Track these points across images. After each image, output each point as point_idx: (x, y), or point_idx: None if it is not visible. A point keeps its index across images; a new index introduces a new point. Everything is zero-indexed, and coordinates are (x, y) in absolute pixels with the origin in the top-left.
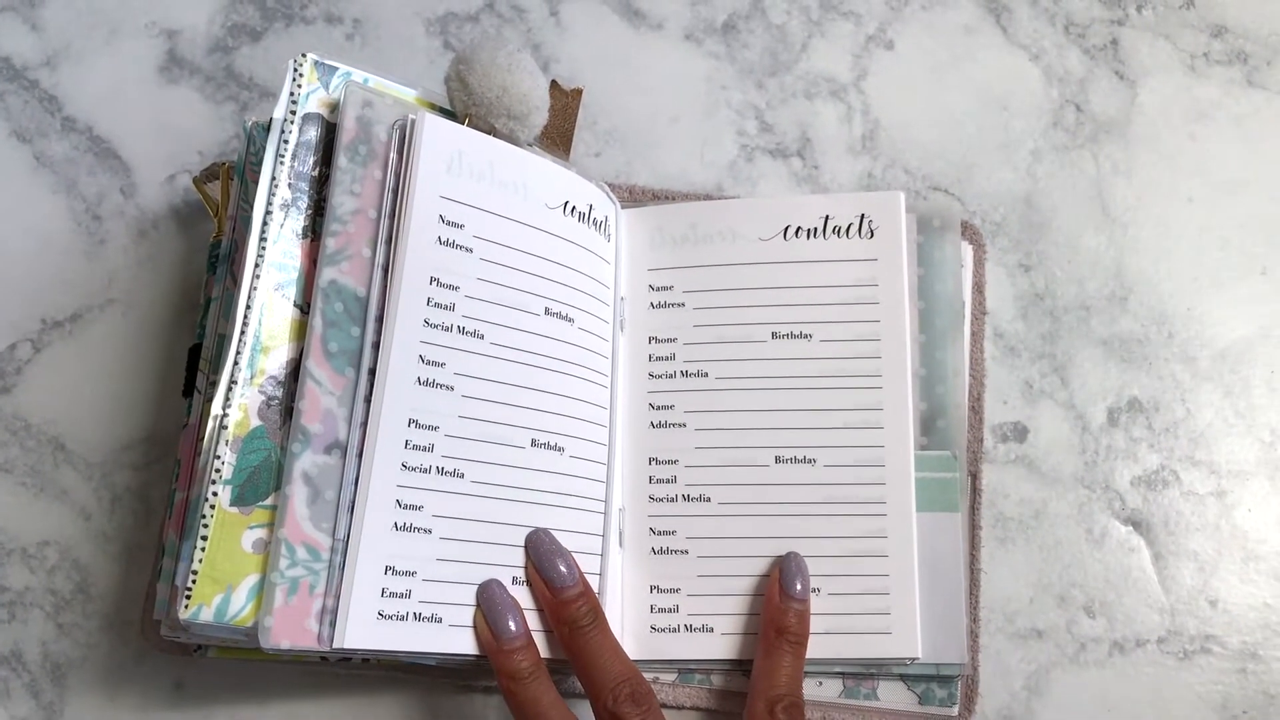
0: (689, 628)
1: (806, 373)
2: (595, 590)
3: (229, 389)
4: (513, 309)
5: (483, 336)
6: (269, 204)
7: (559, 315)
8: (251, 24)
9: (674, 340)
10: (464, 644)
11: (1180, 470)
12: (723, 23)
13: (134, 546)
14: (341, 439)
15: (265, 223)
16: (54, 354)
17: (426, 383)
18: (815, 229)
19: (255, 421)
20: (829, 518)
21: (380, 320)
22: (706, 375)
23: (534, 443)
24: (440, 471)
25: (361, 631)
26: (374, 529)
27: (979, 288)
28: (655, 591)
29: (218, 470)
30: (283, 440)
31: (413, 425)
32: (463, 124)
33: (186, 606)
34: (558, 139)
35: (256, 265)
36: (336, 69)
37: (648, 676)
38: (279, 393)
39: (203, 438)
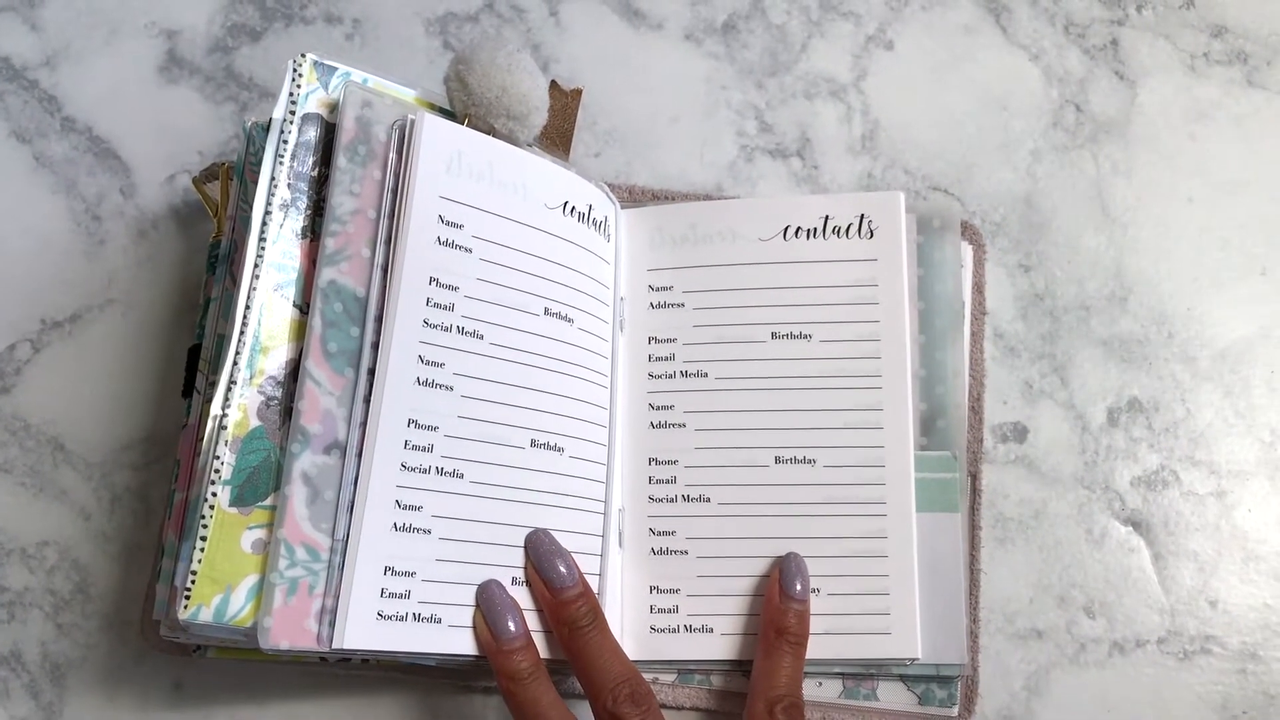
0: (689, 628)
1: (806, 373)
2: (595, 591)
3: (228, 389)
4: (512, 309)
5: (482, 337)
6: (268, 204)
7: (558, 315)
8: (251, 24)
9: (674, 340)
10: (463, 644)
11: (1180, 470)
12: (722, 23)
13: (133, 547)
14: (341, 439)
15: (265, 223)
16: (53, 354)
17: (426, 383)
18: (815, 229)
19: (254, 422)
20: (829, 518)
21: (379, 320)
22: (706, 375)
23: (533, 443)
24: (440, 472)
25: (361, 632)
26: (373, 529)
27: (979, 288)
28: (655, 592)
29: (217, 470)
30: (282, 440)
31: (412, 425)
32: (462, 124)
33: (186, 607)
34: (557, 139)
35: (256, 265)
36: (336, 69)
37: (647, 677)
38: (278, 393)
39: (202, 438)
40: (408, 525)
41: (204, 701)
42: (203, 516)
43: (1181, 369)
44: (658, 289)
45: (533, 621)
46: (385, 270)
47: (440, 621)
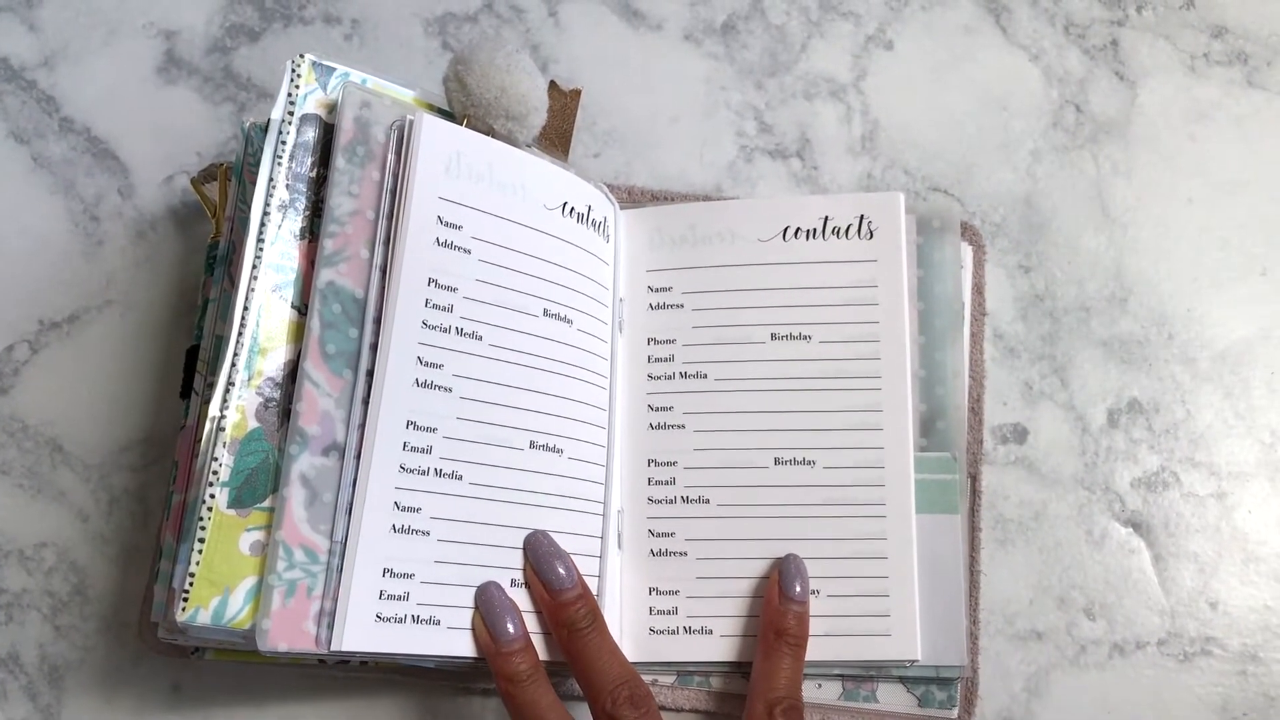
0: (688, 630)
1: (806, 374)
2: (594, 592)
3: (226, 391)
4: (511, 310)
5: (481, 338)
6: (266, 205)
7: (557, 316)
8: (250, 24)
9: (673, 341)
10: (462, 646)
11: (1180, 472)
12: (722, 23)
13: (131, 548)
14: (339, 441)
15: (263, 224)
16: (51, 355)
17: (424, 384)
18: (814, 230)
19: (253, 423)
20: (828, 519)
21: (378, 322)
22: (705, 376)
23: (532, 444)
24: (438, 473)
25: (359, 634)
26: (372, 531)
27: (979, 289)
28: (654, 593)
29: (215, 472)
30: (280, 442)
31: (411, 427)
32: (461, 125)
33: (184, 609)
34: (556, 140)
35: (254, 266)
36: (334, 69)
37: (646, 678)
38: (276, 394)
39: (200, 439)
40: (406, 527)
41: (202, 703)
42: (201, 518)
43: (1181, 370)
44: (657, 290)
45: (532, 623)
46: (384, 271)
47: (439, 623)
